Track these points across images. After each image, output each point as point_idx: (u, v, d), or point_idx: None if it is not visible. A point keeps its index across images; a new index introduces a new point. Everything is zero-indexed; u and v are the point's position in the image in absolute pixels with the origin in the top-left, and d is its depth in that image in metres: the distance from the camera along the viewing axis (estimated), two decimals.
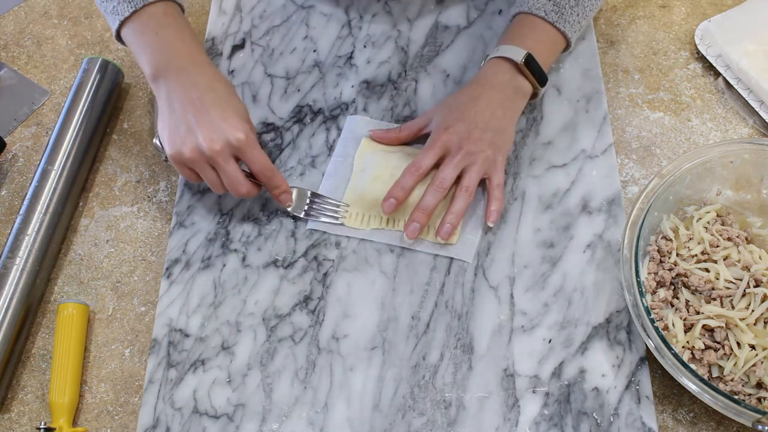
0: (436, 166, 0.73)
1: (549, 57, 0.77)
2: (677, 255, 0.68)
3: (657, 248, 0.68)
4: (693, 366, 0.63)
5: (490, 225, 0.73)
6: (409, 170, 0.72)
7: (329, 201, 0.76)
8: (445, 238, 0.71)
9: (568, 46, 0.78)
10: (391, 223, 0.74)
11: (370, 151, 0.78)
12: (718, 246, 0.68)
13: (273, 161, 0.79)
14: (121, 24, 0.72)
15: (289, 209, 0.75)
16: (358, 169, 0.78)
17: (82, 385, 0.70)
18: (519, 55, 0.73)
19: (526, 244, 0.73)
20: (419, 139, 0.79)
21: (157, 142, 0.73)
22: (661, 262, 0.68)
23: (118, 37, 0.74)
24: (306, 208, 0.75)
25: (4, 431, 0.69)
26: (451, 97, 0.77)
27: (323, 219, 0.75)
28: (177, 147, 0.68)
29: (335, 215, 0.75)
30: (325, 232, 0.75)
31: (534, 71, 0.74)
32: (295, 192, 0.75)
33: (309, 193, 0.76)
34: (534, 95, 0.77)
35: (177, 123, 0.68)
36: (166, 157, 0.71)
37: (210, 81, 0.70)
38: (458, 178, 0.72)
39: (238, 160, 0.69)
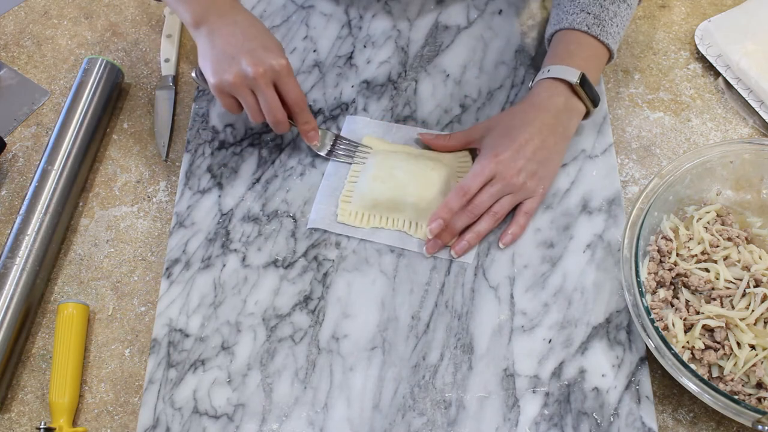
0: None
1: (597, 73, 0.76)
2: (677, 255, 0.68)
3: (657, 248, 0.68)
4: (693, 366, 0.63)
5: (501, 247, 0.73)
6: (457, 194, 0.72)
7: (351, 142, 0.79)
8: (458, 255, 0.72)
9: (610, 57, 0.77)
10: (390, 222, 0.74)
11: (371, 152, 0.79)
12: (718, 246, 0.68)
13: (273, 161, 0.79)
14: None
15: (314, 148, 0.78)
16: (356, 170, 0.78)
17: (82, 385, 0.70)
18: (573, 76, 0.72)
19: (526, 244, 0.73)
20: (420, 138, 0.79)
21: (194, 75, 0.79)
22: (661, 262, 0.68)
23: None
24: (329, 148, 0.79)
25: (4, 431, 0.69)
26: (503, 116, 0.75)
27: (344, 159, 0.78)
28: (220, 75, 0.71)
29: (356, 156, 0.78)
30: (325, 231, 0.75)
31: (587, 92, 0.73)
32: (321, 133, 0.78)
33: (332, 135, 0.80)
34: (586, 115, 0.76)
35: (219, 55, 0.72)
36: (204, 88, 0.79)
37: (249, 20, 0.74)
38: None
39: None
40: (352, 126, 0.81)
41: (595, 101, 0.74)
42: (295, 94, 0.73)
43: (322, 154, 0.79)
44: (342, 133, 0.81)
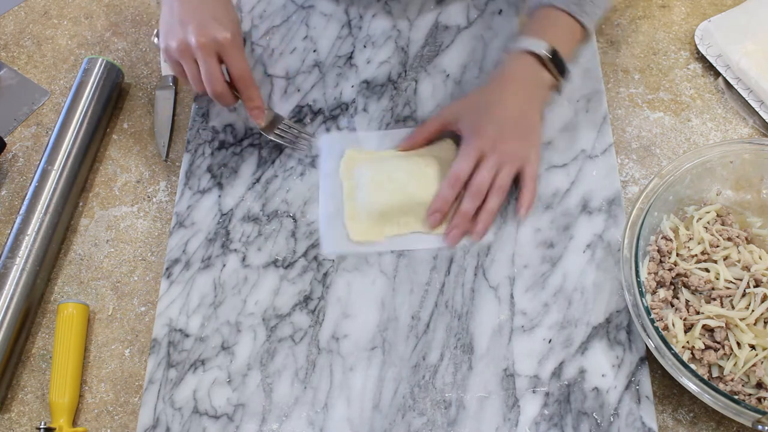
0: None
1: (570, 50, 0.76)
2: (677, 255, 0.68)
3: (657, 248, 0.68)
4: (693, 366, 0.63)
5: (522, 219, 0.73)
6: (449, 182, 0.72)
7: (297, 130, 0.79)
8: (477, 239, 0.72)
9: (586, 36, 0.77)
10: (405, 226, 0.74)
11: (356, 165, 0.78)
12: (718, 246, 0.68)
13: (273, 161, 0.79)
14: None
15: (259, 126, 0.78)
16: (351, 186, 0.77)
17: (82, 385, 0.70)
18: (542, 48, 0.73)
19: (526, 244, 0.73)
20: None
21: (154, 39, 0.81)
22: (661, 262, 0.68)
23: None
24: (276, 131, 0.78)
25: (4, 431, 0.69)
26: (476, 94, 0.76)
27: (289, 146, 0.79)
28: (167, 40, 0.72)
29: (302, 145, 0.79)
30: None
31: (557, 64, 0.73)
32: (267, 112, 0.78)
33: (281, 118, 0.79)
34: (556, 88, 0.76)
35: (172, 20, 0.72)
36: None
37: None
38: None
39: (221, 63, 0.73)
40: (329, 143, 0.80)
41: (563, 73, 0.75)
42: (238, 69, 0.73)
43: (265, 134, 0.78)
44: (321, 154, 0.80)
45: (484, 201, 0.72)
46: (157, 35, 0.77)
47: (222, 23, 0.71)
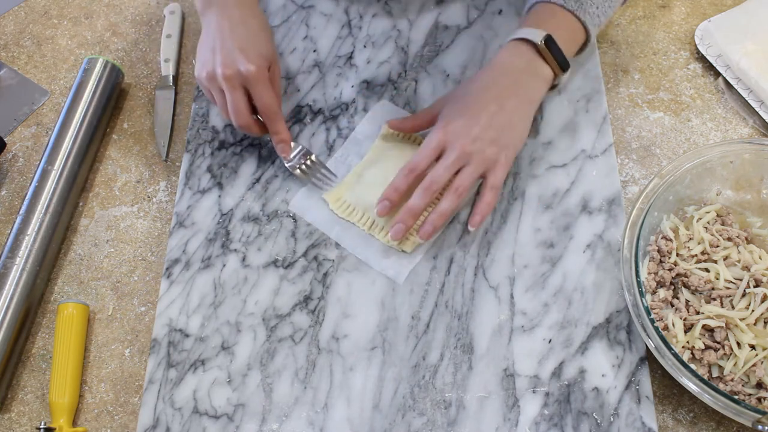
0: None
1: (569, 45, 0.72)
2: (677, 255, 0.68)
3: (657, 248, 0.68)
4: (693, 366, 0.63)
5: (471, 229, 0.71)
6: (403, 172, 0.70)
7: (323, 168, 0.77)
8: (425, 239, 0.69)
9: (587, 40, 0.74)
10: (363, 219, 0.74)
11: (391, 145, 0.78)
12: (718, 246, 0.68)
13: (273, 161, 0.79)
14: None
15: (284, 160, 0.77)
16: (371, 157, 0.78)
17: (82, 385, 0.70)
18: (538, 36, 0.69)
19: (526, 244, 0.73)
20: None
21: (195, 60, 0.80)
22: (661, 262, 0.68)
23: None
24: (300, 166, 0.77)
25: (4, 431, 0.69)
26: (464, 84, 0.73)
27: (311, 182, 0.77)
28: (199, 69, 0.74)
29: (322, 184, 0.77)
30: (325, 233, 0.75)
31: (555, 54, 0.70)
32: (294, 146, 0.77)
33: (309, 154, 0.78)
34: (555, 86, 0.73)
35: (205, 47, 0.74)
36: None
37: (245, 17, 0.75)
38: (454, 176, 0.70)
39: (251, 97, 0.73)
40: (379, 110, 0.82)
41: (563, 66, 0.71)
42: (263, 101, 0.73)
43: (289, 168, 0.77)
44: (368, 114, 0.81)
45: (438, 203, 0.69)
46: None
47: (248, 55, 0.71)
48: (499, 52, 0.73)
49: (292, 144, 0.77)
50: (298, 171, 0.77)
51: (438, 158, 0.70)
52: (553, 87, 0.74)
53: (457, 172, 0.69)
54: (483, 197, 0.70)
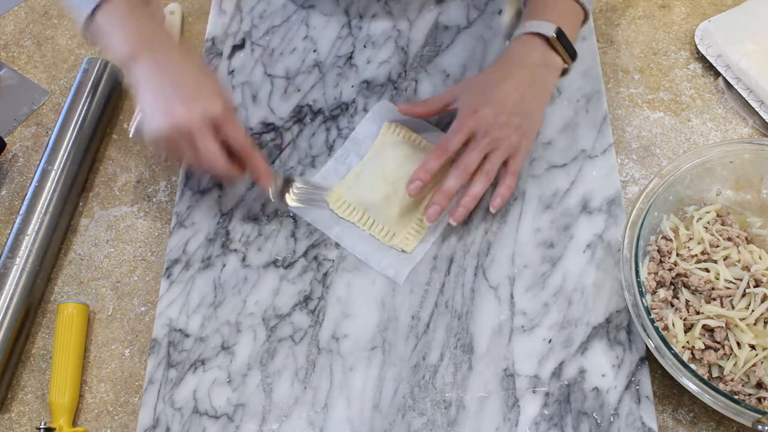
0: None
1: (573, 30, 0.74)
2: (677, 255, 0.68)
3: (657, 248, 0.68)
4: (693, 366, 0.63)
5: (492, 211, 0.72)
6: (436, 152, 0.71)
7: (312, 186, 0.75)
8: (458, 221, 0.72)
9: (585, 18, 0.76)
10: (369, 222, 0.74)
11: (390, 144, 0.78)
12: (718, 246, 0.68)
13: (273, 161, 0.79)
14: (95, 9, 0.66)
15: (270, 195, 0.72)
16: (371, 156, 0.78)
17: (82, 385, 0.70)
18: (550, 30, 0.71)
19: (526, 244, 0.73)
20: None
21: (130, 132, 0.74)
22: (661, 262, 0.68)
23: (85, 28, 0.68)
24: (292, 196, 0.74)
25: (4, 431, 0.69)
26: (480, 75, 0.75)
27: (308, 206, 0.75)
28: (155, 124, 0.65)
29: (320, 202, 0.75)
30: (324, 233, 0.75)
31: (564, 45, 0.72)
32: (274, 175, 0.72)
33: (290, 179, 0.74)
34: (564, 72, 0.75)
35: (154, 101, 0.66)
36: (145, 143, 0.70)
37: (184, 59, 0.68)
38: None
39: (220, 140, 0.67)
40: (381, 108, 0.82)
41: (572, 55, 0.73)
42: (239, 141, 0.67)
43: (278, 201, 0.73)
44: (369, 113, 0.81)
45: (469, 186, 0.71)
46: (135, 126, 0.71)
47: (208, 96, 0.66)
48: (512, 45, 0.74)
49: (272, 174, 0.72)
50: (289, 204, 0.74)
51: (466, 143, 0.72)
52: (563, 74, 0.76)
53: (484, 157, 0.71)
54: (504, 181, 0.72)
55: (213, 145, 0.66)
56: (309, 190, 0.75)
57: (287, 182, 0.74)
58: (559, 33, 0.71)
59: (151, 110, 0.66)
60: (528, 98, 0.72)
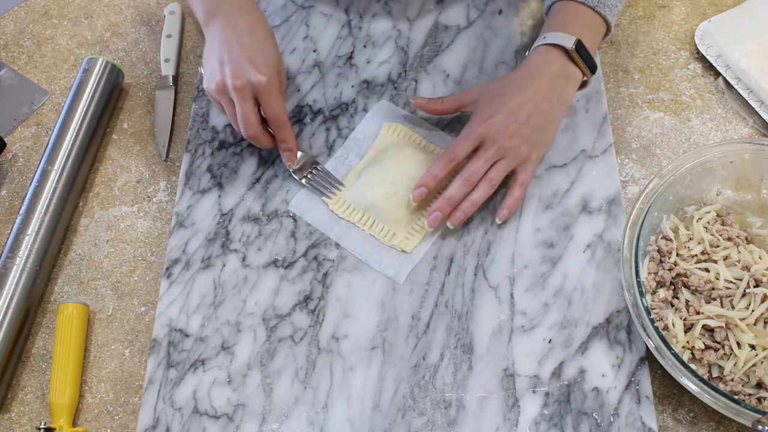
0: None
1: (594, 42, 0.75)
2: (677, 255, 0.68)
3: (657, 248, 0.68)
4: (693, 366, 0.63)
5: (498, 222, 0.73)
6: (442, 159, 0.71)
7: (330, 177, 0.77)
8: (454, 225, 0.72)
9: (608, 31, 0.76)
10: (369, 223, 0.74)
11: (391, 144, 0.78)
12: (718, 246, 0.68)
13: (273, 161, 0.79)
14: None
15: (290, 168, 0.77)
16: (371, 156, 0.78)
17: (82, 385, 0.70)
18: (569, 42, 0.71)
19: (526, 244, 0.73)
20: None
21: (201, 70, 0.84)
22: (661, 262, 0.68)
23: None
24: (306, 174, 0.77)
25: (4, 431, 0.69)
26: (498, 81, 0.75)
27: (317, 191, 0.77)
28: (208, 81, 0.73)
29: (329, 192, 0.76)
30: (324, 233, 0.75)
31: (584, 57, 0.72)
32: (301, 156, 0.78)
33: (312, 162, 0.78)
34: (583, 84, 0.75)
35: (212, 59, 0.73)
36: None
37: (251, 26, 0.74)
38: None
39: (260, 106, 0.73)
40: (381, 108, 0.82)
41: (592, 68, 0.73)
42: (272, 111, 0.73)
43: (295, 176, 0.77)
44: (368, 113, 0.81)
45: (471, 191, 0.71)
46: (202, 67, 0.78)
47: (258, 66, 0.71)
48: (532, 55, 0.74)
49: (299, 153, 0.78)
50: (304, 180, 0.77)
51: (475, 150, 0.72)
52: (582, 86, 0.76)
53: (492, 165, 0.72)
54: (512, 192, 0.73)
55: (251, 111, 0.72)
56: (324, 178, 0.77)
57: (309, 164, 0.78)
58: (579, 45, 0.71)
59: (208, 68, 0.73)
60: (543, 110, 0.72)
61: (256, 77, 0.70)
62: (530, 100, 0.71)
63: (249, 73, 0.70)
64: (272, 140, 0.76)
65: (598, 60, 0.82)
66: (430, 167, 0.72)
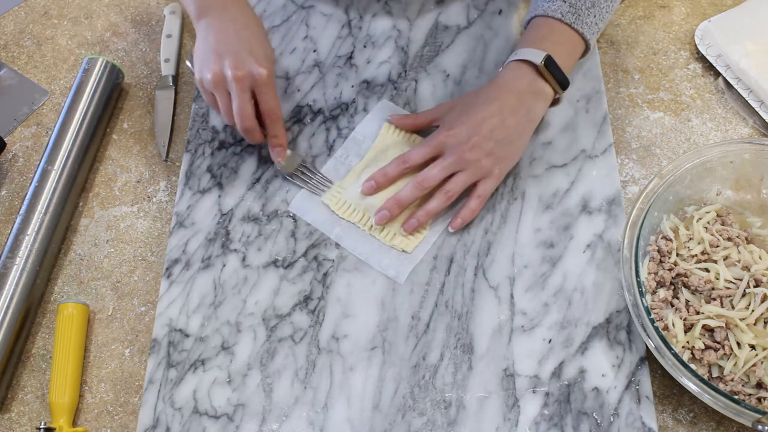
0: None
1: (569, 59, 0.74)
2: (677, 255, 0.68)
3: (657, 248, 0.68)
4: (693, 366, 0.63)
5: (450, 231, 0.73)
6: (397, 161, 0.73)
7: (318, 174, 0.78)
8: (407, 232, 0.72)
9: (587, 48, 0.76)
10: (368, 224, 0.75)
11: (391, 144, 0.79)
12: (718, 246, 0.68)
13: (272, 162, 0.79)
14: None
15: (278, 165, 0.77)
16: (371, 156, 0.78)
17: (82, 385, 0.70)
18: (538, 57, 0.71)
19: (526, 244, 0.73)
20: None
21: (188, 63, 0.84)
22: (661, 262, 0.68)
23: None
24: (295, 172, 0.78)
25: (4, 431, 0.69)
26: (468, 95, 0.75)
27: (305, 187, 0.77)
28: (202, 71, 0.73)
29: (317, 189, 0.77)
30: (324, 233, 0.75)
31: (554, 74, 0.72)
32: (290, 153, 0.78)
33: (300, 159, 0.78)
34: (556, 100, 0.75)
35: (208, 51, 0.73)
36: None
37: (246, 20, 0.75)
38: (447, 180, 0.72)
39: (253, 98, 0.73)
40: (381, 108, 0.82)
41: (563, 84, 0.73)
42: (268, 105, 0.74)
43: (284, 175, 0.78)
44: (370, 113, 0.82)
45: (427, 201, 0.72)
46: (191, 60, 0.79)
47: (258, 59, 0.72)
48: (503, 71, 0.75)
49: (288, 151, 0.78)
50: (291, 176, 0.77)
51: (434, 158, 0.72)
52: (554, 102, 0.76)
53: (450, 176, 0.72)
54: (468, 204, 0.73)
55: (248, 103, 0.72)
56: (314, 177, 0.78)
57: (296, 160, 0.78)
58: (548, 61, 0.71)
59: (205, 58, 0.73)
60: (509, 124, 0.71)
61: (258, 70, 0.71)
62: (496, 114, 0.71)
63: (250, 66, 0.71)
64: (263, 136, 0.76)
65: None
66: (384, 166, 0.73)
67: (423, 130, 0.80)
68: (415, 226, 0.72)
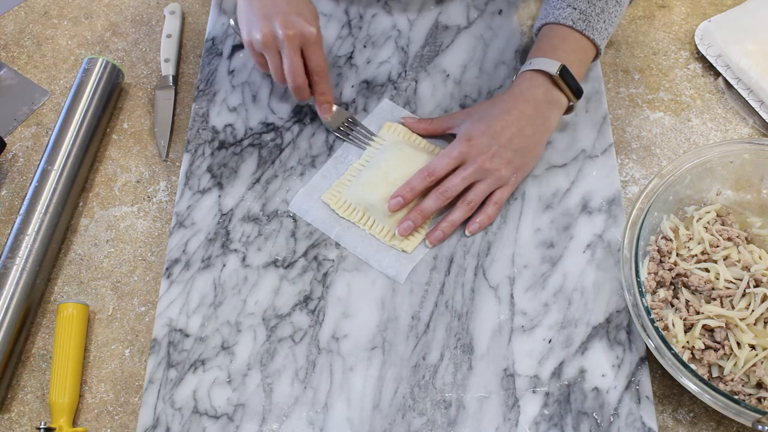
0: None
1: (581, 67, 0.75)
2: (677, 255, 0.68)
3: (657, 248, 0.68)
4: (693, 366, 0.63)
5: (467, 234, 0.73)
6: (422, 174, 0.72)
7: (364, 129, 0.80)
8: (433, 244, 0.73)
9: (597, 53, 0.77)
10: (369, 222, 0.74)
11: (390, 144, 0.78)
12: (718, 246, 0.68)
13: (273, 161, 0.79)
14: None
15: (324, 122, 0.80)
16: (370, 158, 0.78)
17: (82, 385, 0.70)
18: (553, 67, 0.72)
19: (526, 244, 0.73)
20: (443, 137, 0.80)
21: (232, 23, 0.86)
22: (661, 262, 0.68)
23: None
24: (341, 126, 0.80)
25: (4, 431, 0.69)
26: (483, 104, 0.76)
27: (350, 141, 0.80)
28: (252, 32, 0.75)
29: (364, 143, 0.79)
30: (324, 232, 0.75)
31: (569, 83, 0.73)
32: (336, 108, 0.81)
33: (348, 115, 0.81)
34: (569, 108, 0.76)
35: (254, 13, 0.75)
36: (238, 42, 0.86)
37: None
38: (467, 189, 0.73)
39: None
40: (385, 107, 0.82)
41: (577, 93, 0.74)
42: (317, 62, 0.76)
43: (331, 129, 0.80)
44: (374, 112, 0.82)
45: (450, 211, 0.73)
46: (235, 21, 0.81)
47: (306, 18, 0.74)
48: (517, 80, 0.75)
49: (334, 107, 0.80)
50: (336, 131, 0.80)
51: (455, 168, 0.73)
52: (567, 111, 0.76)
53: (470, 185, 0.72)
54: (485, 209, 0.73)
55: (299, 61, 0.75)
56: (358, 129, 0.80)
57: (343, 116, 0.81)
58: (563, 71, 0.72)
59: (251, 20, 0.75)
60: (526, 134, 0.72)
61: (308, 29, 0.73)
62: (513, 123, 0.72)
63: (300, 25, 0.73)
64: (310, 93, 0.79)
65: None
66: (410, 179, 0.73)
67: (423, 130, 0.80)
68: (441, 239, 0.73)
